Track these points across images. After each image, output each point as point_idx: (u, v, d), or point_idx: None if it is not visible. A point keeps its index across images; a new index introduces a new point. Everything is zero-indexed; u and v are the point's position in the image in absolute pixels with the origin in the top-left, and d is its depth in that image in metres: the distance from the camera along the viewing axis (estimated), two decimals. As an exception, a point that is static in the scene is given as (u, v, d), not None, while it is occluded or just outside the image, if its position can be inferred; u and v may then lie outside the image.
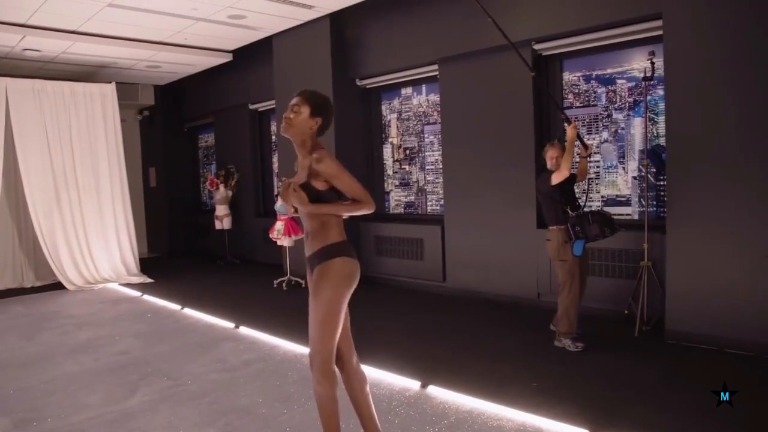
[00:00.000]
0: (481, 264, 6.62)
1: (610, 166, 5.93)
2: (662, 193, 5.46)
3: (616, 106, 5.83)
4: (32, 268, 8.98)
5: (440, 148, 7.20)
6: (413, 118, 7.75)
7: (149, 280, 8.86)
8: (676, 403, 3.65)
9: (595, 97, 5.95)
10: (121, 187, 9.11)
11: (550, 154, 4.83)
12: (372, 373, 4.36)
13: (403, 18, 7.18)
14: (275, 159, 9.74)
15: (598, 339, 4.90)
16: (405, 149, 7.89)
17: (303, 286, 7.82)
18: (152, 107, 11.56)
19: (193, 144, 12.19)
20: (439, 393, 3.95)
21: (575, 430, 3.31)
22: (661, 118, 5.40)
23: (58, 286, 8.51)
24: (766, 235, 4.37)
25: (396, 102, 7.94)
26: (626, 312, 5.28)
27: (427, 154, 7.59)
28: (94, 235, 8.78)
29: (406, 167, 7.89)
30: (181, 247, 11.77)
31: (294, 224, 7.61)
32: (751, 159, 4.43)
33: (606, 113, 5.90)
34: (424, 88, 7.58)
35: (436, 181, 7.47)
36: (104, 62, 9.11)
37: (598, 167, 5.98)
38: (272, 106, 8.99)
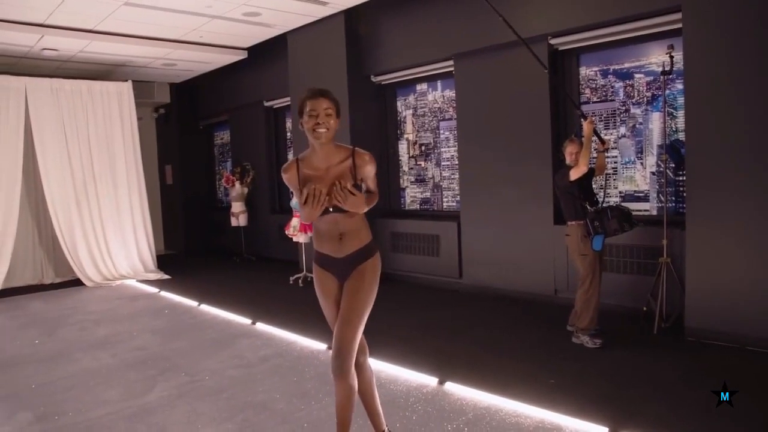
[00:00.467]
0: (497, 260, 6.59)
1: (628, 162, 5.87)
2: (681, 189, 5.40)
3: (633, 100, 5.76)
4: (52, 264, 9.08)
5: (456, 144, 7.17)
6: (428, 114, 7.72)
7: (166, 277, 8.93)
8: (695, 401, 3.60)
9: (612, 91, 5.89)
10: (138, 184, 9.18)
11: (569, 150, 4.81)
12: (389, 369, 4.37)
13: (417, 13, 7.15)
14: (290, 155, 9.76)
15: (616, 336, 4.86)
16: (420, 145, 7.87)
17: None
18: (168, 105, 11.63)
19: (208, 141, 12.24)
20: (456, 389, 3.94)
21: (594, 427, 3.28)
22: (680, 113, 5.33)
23: (76, 282, 8.61)
24: (788, 230, 4.31)
25: (411, 98, 7.92)
26: (644, 309, 5.22)
27: (442, 150, 7.56)
28: (111, 232, 8.87)
29: (422, 163, 7.87)
30: (197, 244, 11.85)
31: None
32: (773, 153, 4.36)
33: (623, 108, 5.84)
34: (439, 84, 7.55)
35: (452, 177, 7.44)
36: (120, 61, 9.17)
37: (615, 163, 5.93)
38: (287, 103, 9.01)
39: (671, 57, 4.81)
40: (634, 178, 5.85)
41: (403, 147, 8.10)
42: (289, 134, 9.92)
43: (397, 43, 7.45)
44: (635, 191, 5.84)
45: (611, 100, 5.91)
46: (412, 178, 8.02)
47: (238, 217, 10.04)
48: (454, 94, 7.12)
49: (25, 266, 8.88)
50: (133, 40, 8.09)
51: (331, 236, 2.81)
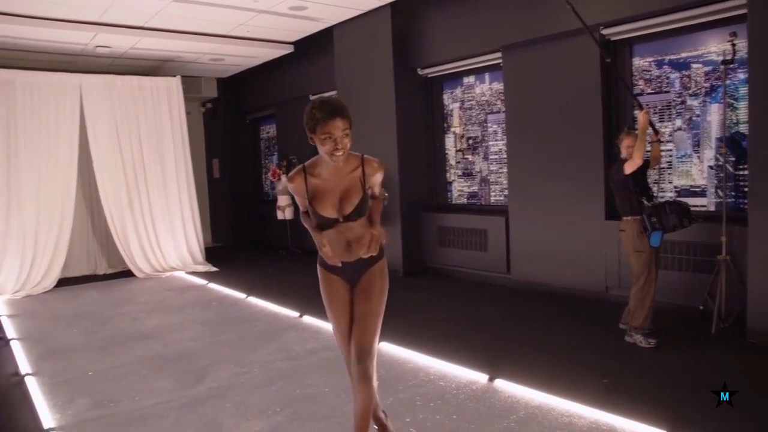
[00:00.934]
0: (546, 256, 6.46)
1: (684, 155, 5.66)
2: (742, 183, 5.17)
3: (690, 92, 5.55)
4: (105, 256, 9.34)
5: (504, 137, 7.05)
6: (476, 108, 7.61)
7: (214, 269, 9.07)
8: (759, 406, 3.45)
9: (668, 82, 5.69)
10: (187, 178, 9.34)
11: (626, 143, 4.66)
12: (436, 364, 4.34)
13: (465, 5, 7.05)
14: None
15: (671, 336, 4.71)
16: (468, 139, 7.77)
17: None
18: (215, 99, 11.78)
19: (254, 135, 12.37)
20: (506, 387, 3.87)
21: (651, 430, 3.17)
22: (742, 104, 5.11)
23: (128, 273, 8.82)
24: None
25: (458, 91, 7.82)
26: (701, 308, 5.03)
27: (490, 143, 7.45)
28: (161, 225, 9.05)
29: (469, 157, 7.77)
30: (244, 237, 11.99)
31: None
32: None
33: (679, 100, 5.63)
34: (487, 76, 7.43)
35: (500, 171, 7.33)
36: (169, 56, 9.33)
37: (670, 156, 5.73)
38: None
39: (733, 45, 4.60)
40: (690, 172, 5.64)
41: (450, 141, 8.02)
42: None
43: (444, 36, 7.36)
44: (691, 186, 5.64)
45: (666, 92, 5.71)
46: (459, 172, 7.93)
47: (284, 211, 10.11)
48: (502, 87, 7.00)
49: (80, 257, 9.16)
50: (182, 35, 8.22)
51: (339, 242, 2.78)
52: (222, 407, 3.79)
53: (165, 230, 9.09)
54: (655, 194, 4.71)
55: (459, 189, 7.97)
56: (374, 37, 7.84)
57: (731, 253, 4.79)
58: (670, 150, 5.71)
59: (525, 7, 6.30)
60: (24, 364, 4.85)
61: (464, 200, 7.90)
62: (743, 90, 5.04)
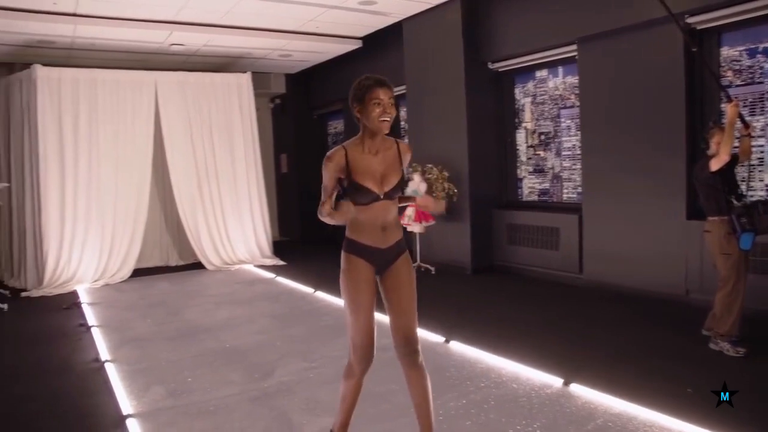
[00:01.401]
0: (622, 256, 6.20)
1: (777, 151, 5.31)
2: (844, 182, 4.79)
3: (786, 83, 5.19)
4: (176, 248, 9.63)
5: (578, 133, 6.81)
6: (548, 102, 7.38)
7: (282, 263, 9.18)
8: None
9: (761, 73, 5.33)
10: (256, 172, 9.48)
11: (717, 139, 4.36)
12: (509, 366, 4.21)
13: (539, -4, 6.84)
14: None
15: (762, 344, 4.40)
16: (539, 134, 7.55)
17: (433, 272, 7.75)
18: (283, 95, 11.93)
19: (322, 131, 12.45)
20: (583, 392, 3.71)
21: (746, 446, 2.97)
22: None
23: (198, 265, 9.04)
24: None
25: (530, 85, 7.61)
26: (795, 314, 4.71)
27: (563, 139, 7.21)
28: (231, 219, 9.23)
29: (541, 153, 7.55)
30: (311, 232, 12.06)
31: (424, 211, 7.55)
32: None
33: (773, 91, 5.28)
34: (560, 70, 7.19)
35: (573, 167, 7.08)
36: (240, 53, 9.49)
37: (762, 152, 5.37)
38: (402, 92, 8.94)
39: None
40: (784, 169, 5.28)
41: (521, 136, 7.82)
42: (403, 123, 9.86)
43: (517, 28, 7.17)
44: (785, 184, 5.28)
45: (759, 83, 5.35)
46: (530, 169, 7.72)
47: (351, 206, 10.11)
48: (576, 81, 6.76)
49: (153, 249, 9.47)
50: (252, 32, 8.34)
51: (373, 227, 2.79)
52: (291, 402, 3.79)
53: (234, 224, 9.26)
54: (743, 193, 4.40)
55: (530, 186, 7.75)
56: (444, 30, 7.72)
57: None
58: (762, 145, 5.35)
59: (603, -4, 6.06)
60: (104, 351, 5.02)
61: (535, 197, 7.69)
62: None
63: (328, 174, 2.75)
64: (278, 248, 9.94)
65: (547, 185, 7.52)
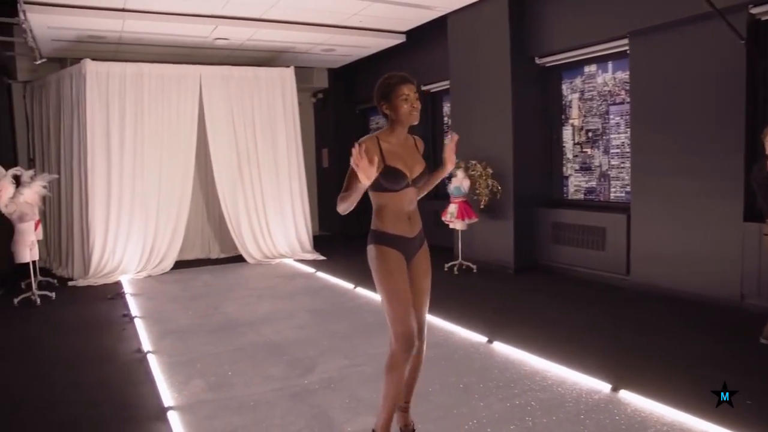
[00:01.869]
0: (672, 258, 5.98)
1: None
2: None
3: None
4: (218, 241, 9.73)
5: (627, 130, 6.60)
6: (597, 98, 7.17)
7: (322, 258, 9.17)
8: None
9: (827, 69, 5.06)
10: (298, 167, 9.49)
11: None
12: (554, 369, 4.09)
13: (589, -11, 6.64)
14: (446, 140, 9.58)
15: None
16: (587, 131, 7.35)
17: (474, 271, 7.63)
18: (325, 90, 11.92)
19: (364, 126, 12.39)
20: (632, 399, 3.56)
21: (811, 462, 2.79)
22: None
23: (239, 258, 9.09)
24: None
25: (578, 81, 7.40)
26: None
27: (612, 136, 7.00)
28: (272, 213, 9.25)
29: (588, 151, 7.35)
30: (352, 227, 12.02)
31: (467, 207, 7.43)
32: None
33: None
34: (610, 65, 6.98)
35: (622, 165, 6.87)
36: (284, 47, 9.50)
37: (826, 152, 5.10)
38: (446, 87, 8.83)
39: None
40: None
41: (567, 133, 7.62)
42: (446, 118, 9.75)
43: (565, 23, 6.98)
44: None
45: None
46: (577, 166, 7.52)
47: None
48: (627, 76, 6.54)
49: (195, 241, 9.59)
50: (296, 26, 8.32)
51: (401, 216, 2.90)
52: (332, 399, 3.74)
53: (275, 217, 9.28)
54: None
55: (576, 184, 7.56)
56: (490, 24, 7.57)
57: None
58: (827, 145, 5.08)
59: (657, -12, 5.84)
60: (146, 342, 5.07)
61: (581, 196, 7.49)
62: None
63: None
64: (318, 243, 9.92)
65: (593, 184, 7.31)
